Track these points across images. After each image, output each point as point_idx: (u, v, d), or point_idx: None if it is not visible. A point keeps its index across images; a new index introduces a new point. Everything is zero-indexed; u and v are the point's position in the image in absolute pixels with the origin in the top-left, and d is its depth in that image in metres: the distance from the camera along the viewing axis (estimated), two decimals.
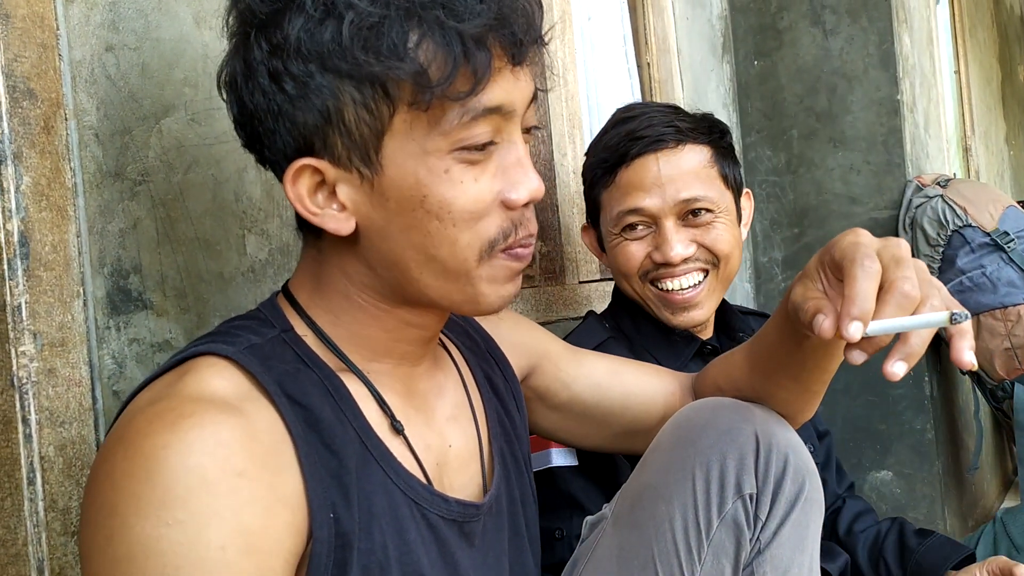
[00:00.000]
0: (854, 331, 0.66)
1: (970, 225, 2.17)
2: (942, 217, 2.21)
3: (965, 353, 0.67)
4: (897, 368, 0.67)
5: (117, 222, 0.90)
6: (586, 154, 1.37)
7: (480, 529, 0.83)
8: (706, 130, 1.30)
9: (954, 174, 2.92)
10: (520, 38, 0.71)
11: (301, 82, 0.69)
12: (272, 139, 0.73)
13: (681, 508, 0.85)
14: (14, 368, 0.79)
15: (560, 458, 1.18)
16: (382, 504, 0.73)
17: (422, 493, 0.77)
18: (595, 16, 1.97)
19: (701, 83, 2.32)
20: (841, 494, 1.48)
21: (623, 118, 1.31)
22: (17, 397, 0.80)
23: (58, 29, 0.86)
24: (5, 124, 0.80)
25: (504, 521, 0.88)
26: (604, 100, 1.98)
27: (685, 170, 1.26)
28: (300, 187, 0.72)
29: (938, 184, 2.28)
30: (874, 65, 2.33)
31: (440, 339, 0.90)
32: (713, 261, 1.29)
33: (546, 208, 1.69)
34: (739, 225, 1.34)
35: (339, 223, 0.73)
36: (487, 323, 1.00)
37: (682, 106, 2.21)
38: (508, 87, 0.71)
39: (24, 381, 0.80)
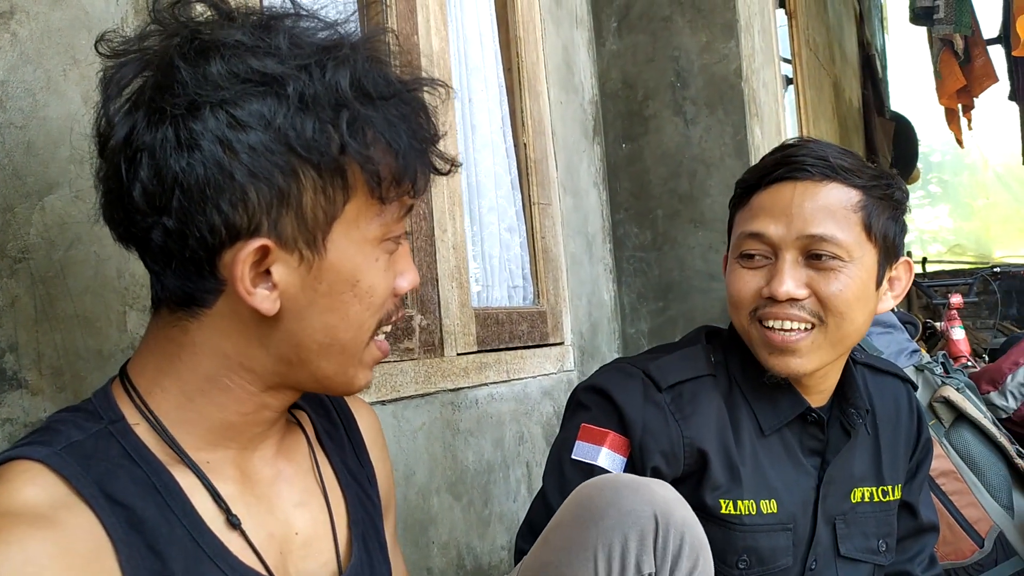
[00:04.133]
0: None
1: None
2: None
3: None
4: None
5: None
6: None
7: None
8: (868, 177, 1.16)
9: None
10: (447, 155, 0.82)
11: (264, 159, 0.71)
12: (195, 212, 0.71)
13: None
14: None
15: (608, 461, 1.18)
16: None
17: None
18: (475, 99, 2.06)
19: (574, 163, 2.45)
20: None
21: (786, 144, 1.22)
22: None
23: None
24: None
25: None
26: (483, 178, 2.06)
27: (820, 205, 1.14)
28: (246, 266, 0.73)
29: None
30: (729, 154, 2.53)
31: (296, 418, 0.90)
32: (820, 315, 1.15)
33: (426, 282, 1.75)
34: (876, 289, 1.18)
35: (270, 304, 0.74)
36: (359, 419, 0.98)
37: (555, 184, 2.34)
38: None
39: None
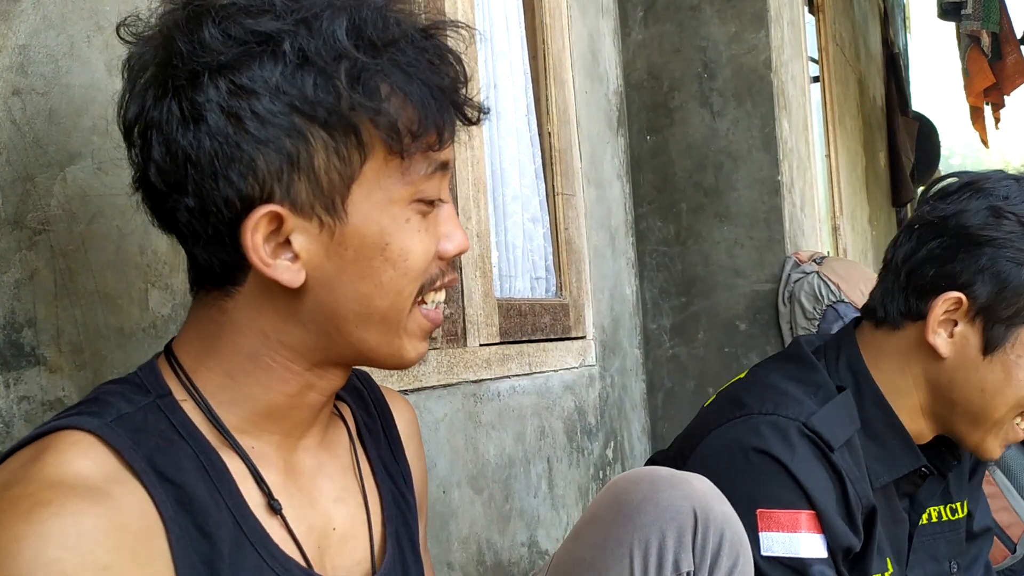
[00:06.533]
0: None
1: (843, 301, 2.32)
2: (818, 292, 2.35)
3: None
4: None
5: (13, 272, 0.86)
6: (1002, 210, 1.09)
7: None
8: None
9: (827, 252, 3.12)
10: (473, 101, 0.75)
11: (270, 124, 0.67)
12: (210, 186, 0.68)
13: None
14: None
15: (810, 547, 1.03)
16: None
17: None
18: (501, 85, 2.02)
19: (598, 154, 2.41)
20: None
21: None
22: None
23: None
24: None
25: None
26: (508, 166, 2.02)
27: None
28: (258, 236, 0.69)
29: (814, 261, 2.43)
30: (757, 147, 2.48)
31: (339, 411, 0.87)
32: None
33: None
34: None
35: (292, 275, 0.70)
36: (397, 415, 0.94)
37: (579, 174, 2.30)
38: (453, 145, 0.75)
39: None
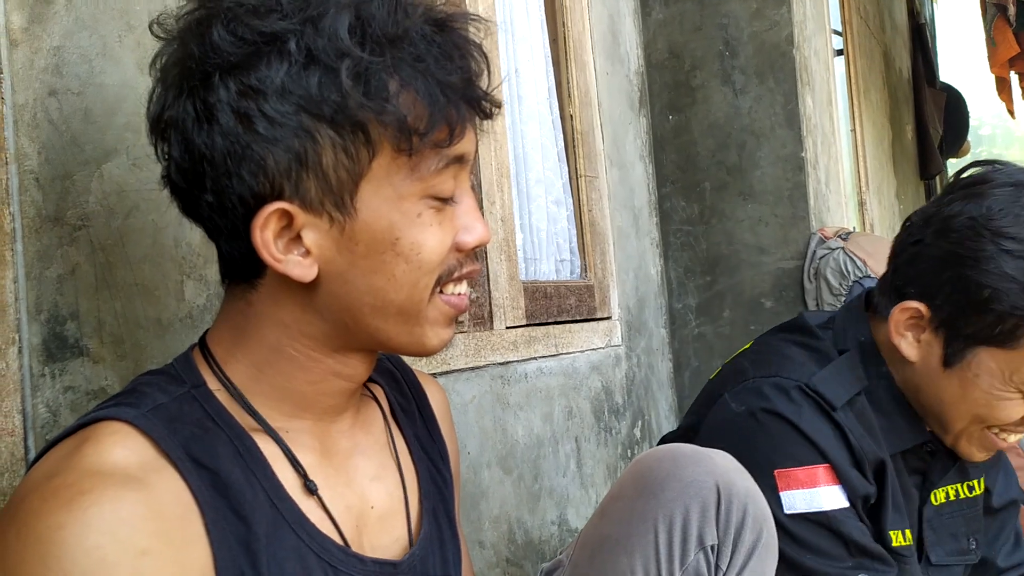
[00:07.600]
0: None
1: (869, 276, 2.31)
2: (844, 268, 2.34)
3: None
4: None
5: (55, 267, 0.89)
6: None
7: None
8: None
9: (853, 228, 3.10)
10: (488, 94, 0.75)
11: (278, 124, 0.69)
12: (225, 184, 0.70)
13: (643, 560, 0.88)
14: None
15: (831, 498, 1.05)
16: (294, 570, 0.72)
17: (337, 555, 0.75)
18: (521, 69, 2.03)
19: (620, 135, 2.41)
20: (1004, 567, 1.27)
21: None
22: None
23: (1, 73, 0.85)
24: None
25: None
26: (530, 150, 2.03)
27: None
28: (268, 232, 0.71)
29: (839, 237, 2.42)
30: (780, 124, 2.47)
31: (372, 392, 0.89)
32: None
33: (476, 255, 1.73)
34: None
35: (303, 270, 0.72)
36: (430, 395, 0.96)
37: (602, 156, 2.30)
38: (470, 137, 0.75)
39: None
